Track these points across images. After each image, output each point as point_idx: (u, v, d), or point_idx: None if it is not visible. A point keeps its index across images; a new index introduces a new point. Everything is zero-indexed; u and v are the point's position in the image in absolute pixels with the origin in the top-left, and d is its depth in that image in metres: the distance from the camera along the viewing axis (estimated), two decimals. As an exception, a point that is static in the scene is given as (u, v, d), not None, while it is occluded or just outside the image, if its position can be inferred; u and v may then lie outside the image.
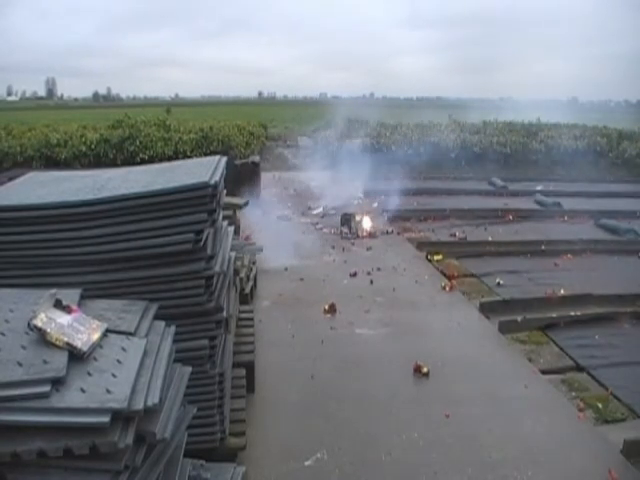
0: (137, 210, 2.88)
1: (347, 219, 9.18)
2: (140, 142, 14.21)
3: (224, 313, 3.15)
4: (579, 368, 5.04)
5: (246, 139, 15.51)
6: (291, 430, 3.89)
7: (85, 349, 1.88)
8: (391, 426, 3.94)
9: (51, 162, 13.71)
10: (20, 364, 1.78)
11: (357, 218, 9.16)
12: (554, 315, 5.99)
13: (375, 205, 11.01)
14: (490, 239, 9.00)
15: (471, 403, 4.23)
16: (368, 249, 8.39)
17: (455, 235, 9.50)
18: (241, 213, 7.67)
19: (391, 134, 16.71)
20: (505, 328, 5.68)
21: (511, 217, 10.68)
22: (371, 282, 6.95)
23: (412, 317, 5.91)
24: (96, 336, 1.97)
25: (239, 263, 4.96)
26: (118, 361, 1.91)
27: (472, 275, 7.44)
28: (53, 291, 2.11)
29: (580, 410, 4.25)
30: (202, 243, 2.88)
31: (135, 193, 2.88)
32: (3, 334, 1.96)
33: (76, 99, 74.88)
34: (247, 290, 5.62)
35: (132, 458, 1.74)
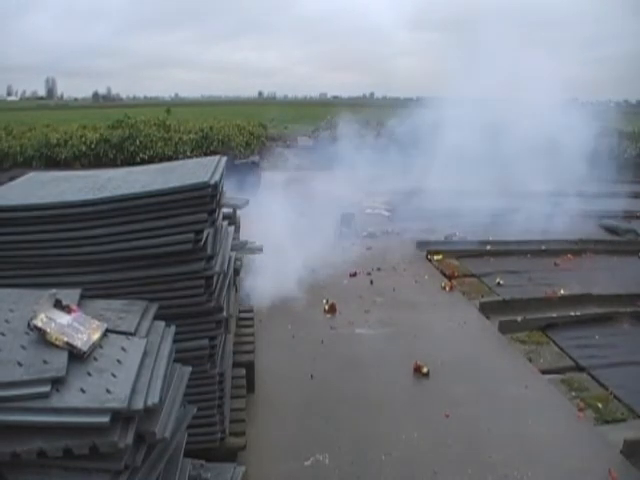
0: (137, 210, 2.87)
1: (347, 218, 9.18)
2: (140, 142, 14.22)
3: (224, 313, 3.15)
4: (579, 368, 5.04)
5: (246, 139, 15.52)
6: (291, 430, 3.89)
7: (85, 349, 1.88)
8: (391, 426, 3.94)
9: (51, 162, 13.73)
10: (20, 364, 1.78)
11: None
12: (554, 315, 6.00)
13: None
14: (490, 239, 9.00)
15: (471, 403, 4.23)
16: (368, 249, 8.39)
17: (455, 235, 9.49)
18: (241, 213, 7.66)
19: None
20: (505, 328, 5.69)
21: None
22: (371, 282, 6.95)
23: (412, 317, 5.92)
24: (96, 336, 1.97)
25: (239, 263, 4.96)
26: (118, 361, 1.91)
27: (472, 275, 7.44)
28: (53, 291, 2.11)
29: (580, 410, 4.25)
30: (202, 243, 2.88)
31: (135, 193, 2.88)
32: (3, 334, 1.96)
33: (76, 99, 74.76)
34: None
35: (132, 458, 1.74)
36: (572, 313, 6.04)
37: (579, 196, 11.12)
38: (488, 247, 8.53)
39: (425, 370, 4.65)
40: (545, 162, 10.42)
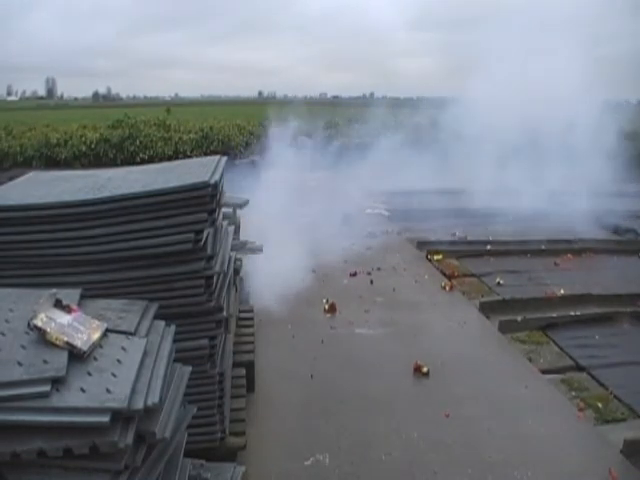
0: (137, 210, 2.87)
1: (347, 218, 9.18)
2: (140, 142, 14.23)
3: (224, 313, 3.15)
4: (579, 368, 5.05)
5: (246, 139, 15.51)
6: (291, 430, 3.89)
7: (85, 349, 1.88)
8: (391, 426, 3.94)
9: (51, 162, 13.74)
10: (20, 364, 1.78)
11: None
12: (554, 315, 6.00)
13: None
14: (490, 239, 9.00)
15: (471, 403, 4.23)
16: (368, 249, 8.39)
17: (455, 235, 9.49)
18: (241, 213, 7.66)
19: None
20: (505, 328, 5.69)
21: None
22: (371, 282, 6.95)
23: (412, 317, 5.92)
24: (96, 336, 1.97)
25: (239, 263, 4.96)
26: (118, 361, 1.91)
27: (472, 275, 7.44)
28: (53, 291, 2.11)
29: (580, 410, 4.25)
30: (202, 243, 2.88)
31: (135, 193, 2.88)
32: (3, 334, 1.96)
33: (76, 99, 74.70)
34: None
35: (132, 458, 1.74)
36: (572, 313, 6.04)
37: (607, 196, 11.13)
38: (488, 247, 8.54)
39: (425, 370, 4.65)
40: (573, 161, 10.43)
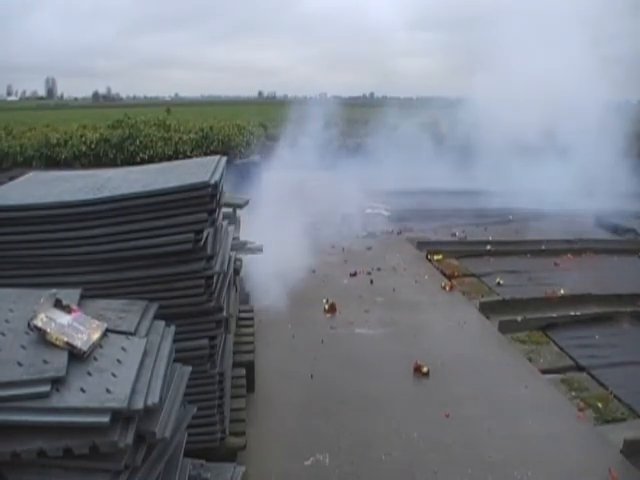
0: (137, 210, 2.87)
1: (347, 218, 9.18)
2: (140, 142, 14.20)
3: (224, 313, 3.15)
4: (579, 368, 5.05)
5: (246, 139, 15.49)
6: (291, 430, 3.89)
7: (85, 349, 1.88)
8: (391, 426, 3.94)
9: (51, 162, 13.70)
10: (20, 364, 1.78)
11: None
12: (554, 315, 6.00)
13: None
14: (490, 239, 9.00)
15: (471, 403, 4.23)
16: (368, 249, 8.39)
17: (455, 235, 9.50)
18: (241, 213, 7.66)
19: None
20: (505, 328, 5.69)
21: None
22: (371, 282, 6.96)
23: (412, 317, 5.92)
24: (96, 336, 1.97)
25: (239, 263, 4.96)
26: (118, 361, 1.91)
27: (472, 275, 7.45)
28: (53, 291, 2.11)
29: (580, 410, 4.25)
30: (202, 243, 2.88)
31: (135, 193, 2.88)
32: (3, 334, 1.96)
33: (76, 99, 74.69)
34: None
35: (132, 458, 1.74)
36: (572, 313, 6.04)
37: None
38: (488, 247, 8.53)
39: (425, 370, 4.65)
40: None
